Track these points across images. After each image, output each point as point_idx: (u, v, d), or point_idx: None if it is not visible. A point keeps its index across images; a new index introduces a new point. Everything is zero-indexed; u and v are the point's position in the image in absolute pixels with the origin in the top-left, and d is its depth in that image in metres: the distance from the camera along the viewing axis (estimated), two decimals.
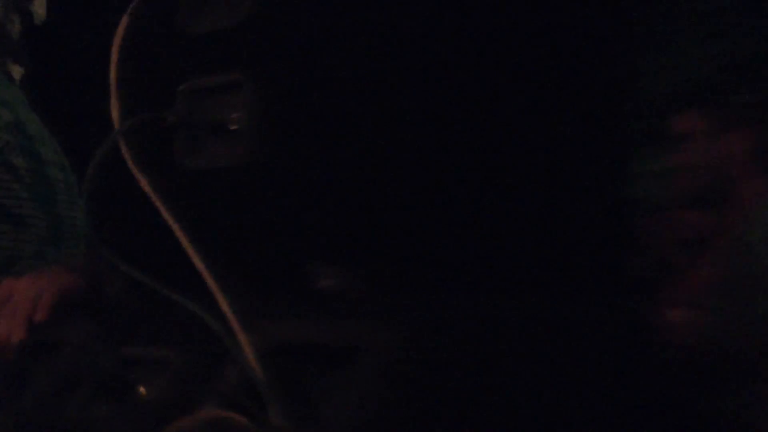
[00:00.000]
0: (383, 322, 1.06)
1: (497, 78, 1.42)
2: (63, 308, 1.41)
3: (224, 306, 1.09)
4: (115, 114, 1.32)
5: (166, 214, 1.19)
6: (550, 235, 1.60)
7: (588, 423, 1.40)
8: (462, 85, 1.32)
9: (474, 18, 1.35)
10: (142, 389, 1.16)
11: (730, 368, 2.09)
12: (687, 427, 2.16)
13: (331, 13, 1.21)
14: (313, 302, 1.17)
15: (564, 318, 1.45)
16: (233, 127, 1.24)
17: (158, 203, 1.21)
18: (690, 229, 2.04)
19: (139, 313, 1.28)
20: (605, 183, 2.14)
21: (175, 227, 1.18)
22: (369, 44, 1.20)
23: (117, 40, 1.32)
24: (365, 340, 1.05)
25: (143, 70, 1.34)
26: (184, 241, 1.16)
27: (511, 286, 1.40)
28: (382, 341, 1.04)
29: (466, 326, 1.14)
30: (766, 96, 2.36)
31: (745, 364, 2.03)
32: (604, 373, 1.50)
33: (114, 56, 1.32)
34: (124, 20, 1.32)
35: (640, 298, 2.31)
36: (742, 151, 2.21)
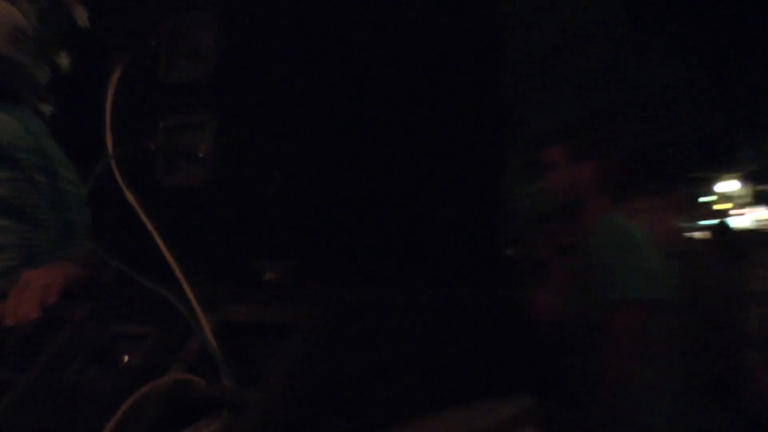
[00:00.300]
0: (311, 306, 1.07)
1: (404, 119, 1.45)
2: (68, 293, 1.40)
3: (189, 293, 1.10)
4: (109, 142, 1.32)
5: (146, 221, 1.20)
6: (450, 240, 1.62)
7: (481, 381, 1.43)
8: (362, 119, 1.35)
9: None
10: (125, 357, 1.17)
11: (578, 337, 2.15)
12: (550, 379, 2.20)
13: (273, 70, 1.24)
14: (258, 290, 1.18)
15: (461, 302, 1.47)
16: (201, 155, 1.26)
17: (141, 213, 1.22)
18: (555, 237, 2.10)
19: (125, 298, 1.28)
20: (495, 199, 2.15)
21: (154, 231, 1.18)
22: (297, 99, 1.24)
23: (112, 86, 1.32)
24: (297, 321, 1.06)
25: (132, 109, 1.35)
26: (160, 242, 1.17)
27: (418, 279, 1.42)
28: (310, 321, 1.06)
29: (376, 309, 1.16)
30: (604, 136, 2.43)
31: (585, 335, 2.09)
32: (491, 341, 1.53)
33: (109, 98, 1.32)
34: (117, 71, 1.32)
35: (520, 287, 2.36)
36: (588, 178, 2.27)
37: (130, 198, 1.24)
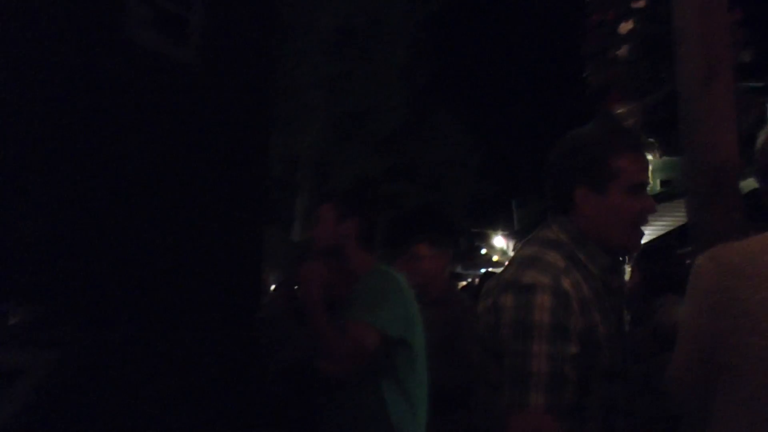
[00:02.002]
0: (45, 348, 1.08)
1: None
2: None
3: None
4: None
5: None
6: (199, 286, 1.68)
7: (227, 419, 1.48)
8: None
9: None
10: None
11: (318, 380, 2.30)
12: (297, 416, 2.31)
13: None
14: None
15: (209, 344, 1.52)
16: None
17: None
18: (323, 275, 2.23)
19: None
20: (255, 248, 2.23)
21: None
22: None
23: None
24: (30, 365, 1.07)
25: None
26: None
27: (167, 323, 1.46)
28: (41, 363, 1.06)
29: (107, 351, 1.19)
30: (368, 199, 2.67)
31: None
32: (236, 382, 1.59)
33: None
34: None
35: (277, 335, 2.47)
36: (349, 233, 2.47)
37: None
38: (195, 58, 1.89)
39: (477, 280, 9.75)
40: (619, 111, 2.29)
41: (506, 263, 1.72)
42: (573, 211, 1.62)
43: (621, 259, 1.71)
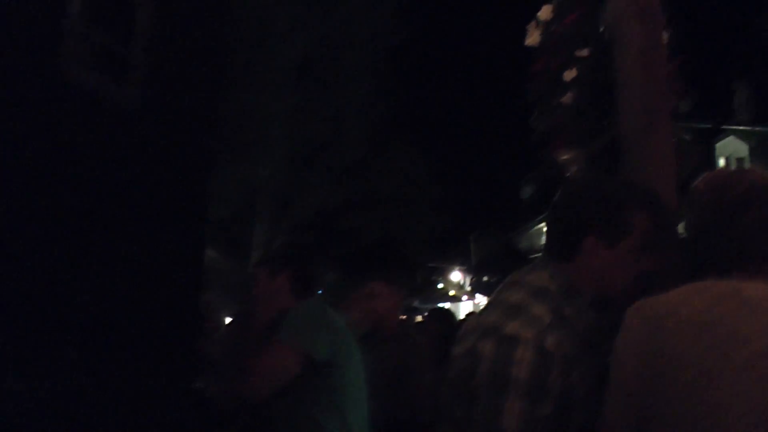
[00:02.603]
0: None
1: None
2: None
3: None
4: None
5: None
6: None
7: None
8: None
9: None
10: None
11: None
12: None
13: None
14: None
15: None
16: None
17: None
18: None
19: None
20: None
21: None
22: None
23: None
24: None
25: None
26: None
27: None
28: None
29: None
30: (297, 254, 2.70)
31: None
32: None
33: None
34: None
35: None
36: (282, 286, 2.54)
37: None
38: (134, 98, 1.86)
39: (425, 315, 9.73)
40: (563, 157, 2.32)
41: (488, 303, 1.64)
42: (577, 258, 1.57)
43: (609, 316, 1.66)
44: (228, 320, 6.15)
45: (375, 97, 16.09)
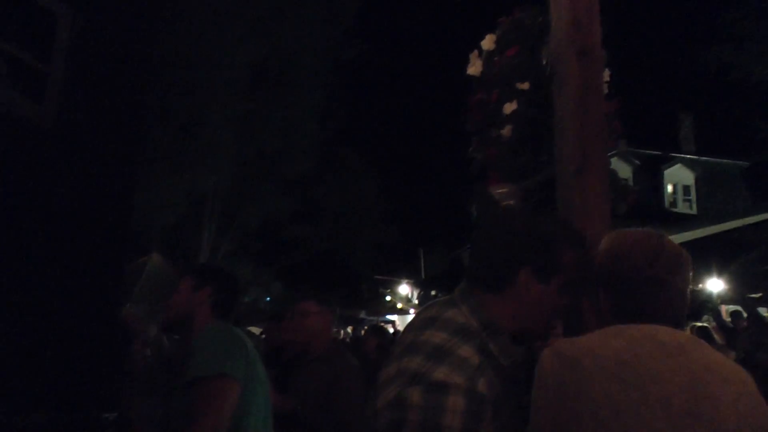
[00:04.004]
0: None
1: None
2: None
3: None
4: None
5: None
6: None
7: None
8: None
9: None
10: None
11: None
12: None
13: None
14: None
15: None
16: None
17: None
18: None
19: None
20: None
21: None
22: None
23: None
24: None
25: None
26: None
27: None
28: None
29: None
30: (217, 273, 2.69)
31: None
32: None
33: None
34: None
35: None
36: (202, 300, 2.53)
37: None
38: (51, 114, 1.78)
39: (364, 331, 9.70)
40: (498, 191, 2.30)
41: (407, 345, 1.54)
42: (507, 290, 1.55)
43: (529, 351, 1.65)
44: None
45: (327, 111, 16.11)
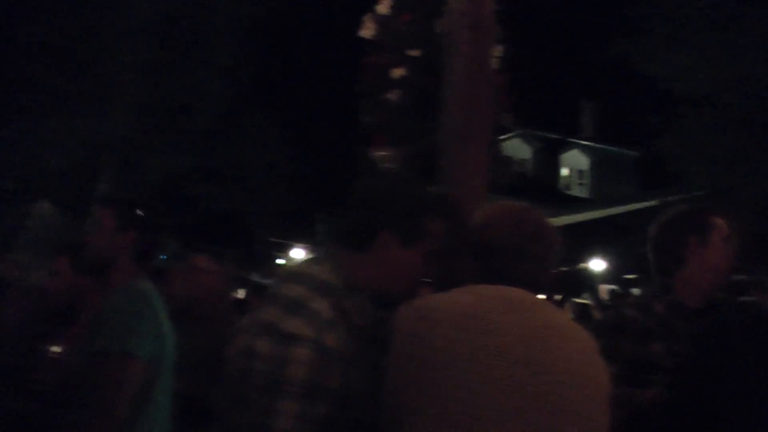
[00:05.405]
0: None
1: None
2: None
3: None
4: None
5: None
6: None
7: None
8: None
9: None
10: None
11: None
12: None
13: None
14: None
15: None
16: None
17: None
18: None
19: None
20: None
21: None
22: None
23: None
24: None
25: None
26: None
27: None
28: None
29: None
30: (147, 212, 2.52)
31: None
32: None
33: None
34: None
35: None
36: (126, 244, 2.35)
37: None
38: None
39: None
40: (380, 154, 2.32)
41: (267, 297, 1.56)
42: (370, 251, 1.55)
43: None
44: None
45: (235, 67, 15.70)
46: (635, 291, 9.98)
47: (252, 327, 1.44)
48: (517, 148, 26.58)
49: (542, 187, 22.92)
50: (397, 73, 2.53)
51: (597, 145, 27.65)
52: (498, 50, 2.86)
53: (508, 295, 1.48)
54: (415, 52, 2.56)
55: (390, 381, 1.45)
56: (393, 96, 2.51)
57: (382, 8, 2.69)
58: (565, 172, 28.07)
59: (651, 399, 1.75)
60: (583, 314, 8.56)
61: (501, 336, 1.40)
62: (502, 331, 1.40)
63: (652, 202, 12.01)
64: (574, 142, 27.84)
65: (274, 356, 1.36)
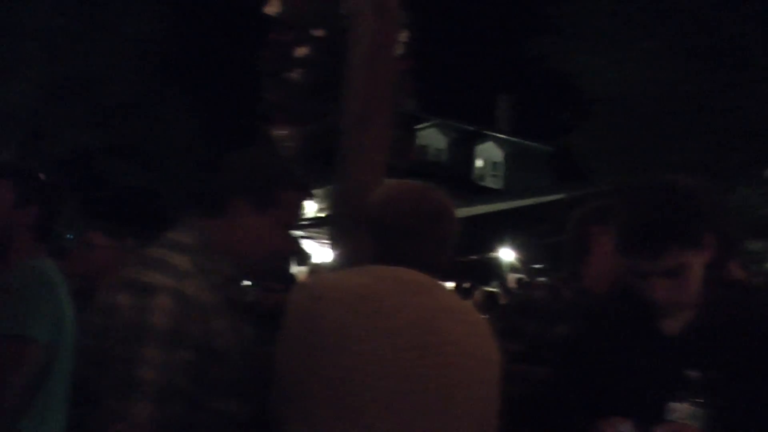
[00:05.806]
0: None
1: None
2: None
3: None
4: None
5: None
6: None
7: None
8: None
9: None
10: None
11: None
12: None
13: None
14: None
15: None
16: None
17: None
18: None
19: None
20: None
21: None
22: None
23: None
24: None
25: None
26: None
27: None
28: None
29: None
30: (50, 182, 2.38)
31: None
32: None
33: None
34: None
35: None
36: (29, 220, 2.22)
37: None
38: None
39: None
40: (281, 133, 2.30)
41: (130, 260, 1.59)
42: (224, 218, 1.58)
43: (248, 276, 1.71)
44: None
45: (144, 40, 15.16)
46: (542, 280, 10.27)
47: (114, 286, 1.44)
48: (433, 137, 26.90)
49: (457, 176, 23.26)
50: (300, 52, 2.51)
51: (512, 139, 28.26)
52: (403, 35, 2.88)
53: (404, 277, 1.49)
54: (319, 32, 2.56)
55: (281, 362, 1.47)
56: (295, 75, 2.49)
57: None
58: (479, 163, 28.58)
59: (545, 376, 1.82)
60: (490, 301, 8.74)
61: (393, 318, 1.40)
62: (394, 313, 1.41)
63: (560, 195, 12.37)
64: (490, 135, 28.37)
65: (135, 306, 1.38)
